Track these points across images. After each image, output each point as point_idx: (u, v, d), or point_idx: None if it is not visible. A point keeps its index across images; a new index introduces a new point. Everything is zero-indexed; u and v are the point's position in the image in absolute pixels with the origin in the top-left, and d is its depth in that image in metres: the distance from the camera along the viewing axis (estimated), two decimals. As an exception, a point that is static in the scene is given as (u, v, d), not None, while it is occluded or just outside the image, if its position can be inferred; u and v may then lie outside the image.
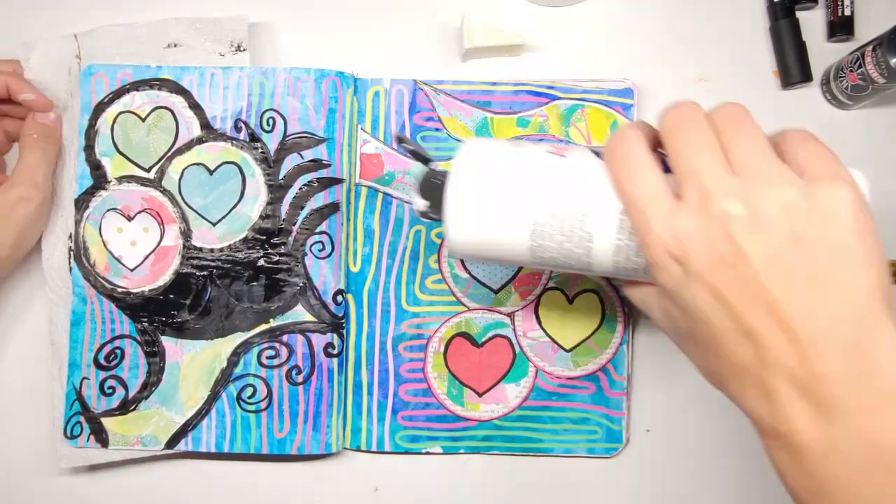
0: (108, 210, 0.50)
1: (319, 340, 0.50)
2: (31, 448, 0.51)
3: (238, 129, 0.50)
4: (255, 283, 0.50)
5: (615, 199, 0.33)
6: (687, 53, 0.52)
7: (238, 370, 0.50)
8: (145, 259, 0.50)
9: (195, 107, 0.50)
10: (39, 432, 0.51)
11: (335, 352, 0.50)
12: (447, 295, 0.51)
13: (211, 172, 0.50)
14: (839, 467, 0.28)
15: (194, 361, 0.50)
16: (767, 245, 0.29)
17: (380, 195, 0.51)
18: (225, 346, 0.50)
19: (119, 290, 0.50)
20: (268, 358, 0.50)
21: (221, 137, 0.50)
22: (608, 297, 0.50)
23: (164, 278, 0.50)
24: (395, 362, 0.51)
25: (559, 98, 0.51)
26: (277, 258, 0.50)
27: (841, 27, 0.51)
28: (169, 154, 0.50)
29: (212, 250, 0.50)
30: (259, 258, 0.50)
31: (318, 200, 0.50)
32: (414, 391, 0.50)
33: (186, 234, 0.50)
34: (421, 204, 0.39)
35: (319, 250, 0.50)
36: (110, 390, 0.50)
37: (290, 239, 0.50)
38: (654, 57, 0.52)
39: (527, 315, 0.51)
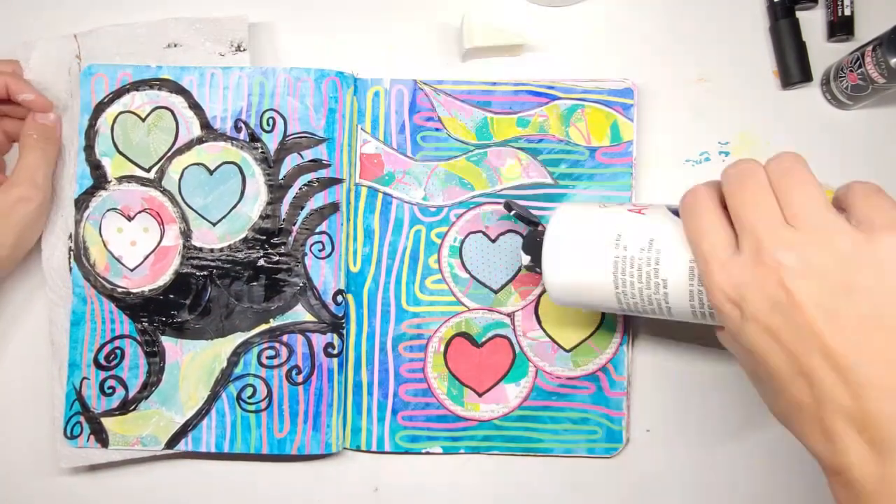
0: (108, 210, 0.50)
1: (319, 340, 0.50)
2: (31, 448, 0.51)
3: (238, 129, 0.50)
4: (255, 283, 0.50)
5: (687, 250, 0.37)
6: (687, 53, 0.52)
7: (238, 370, 0.50)
8: (145, 259, 0.50)
9: (195, 107, 0.50)
10: (39, 432, 0.51)
11: (335, 352, 0.50)
12: (447, 295, 0.51)
13: (211, 172, 0.50)
14: (892, 502, 0.30)
15: (194, 361, 0.50)
16: (818, 292, 0.31)
17: (380, 195, 0.51)
18: (225, 346, 0.50)
19: (119, 290, 0.50)
20: (268, 358, 0.50)
21: (221, 137, 0.50)
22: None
23: (164, 278, 0.50)
24: (395, 362, 0.51)
25: (559, 98, 0.51)
26: (277, 258, 0.50)
27: (841, 27, 0.51)
28: (169, 154, 0.50)
29: (212, 250, 0.50)
30: (259, 258, 0.50)
31: (318, 200, 0.50)
32: (414, 391, 0.50)
33: (186, 234, 0.50)
34: (525, 259, 0.45)
35: (319, 250, 0.50)
36: (110, 390, 0.50)
37: (290, 239, 0.50)
38: (654, 57, 0.52)
39: (527, 315, 0.51)
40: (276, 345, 0.50)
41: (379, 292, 0.51)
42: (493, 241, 0.51)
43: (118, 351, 0.50)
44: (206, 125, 0.50)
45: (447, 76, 0.52)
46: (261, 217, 0.50)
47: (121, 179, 0.50)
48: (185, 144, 0.50)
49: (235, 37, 0.51)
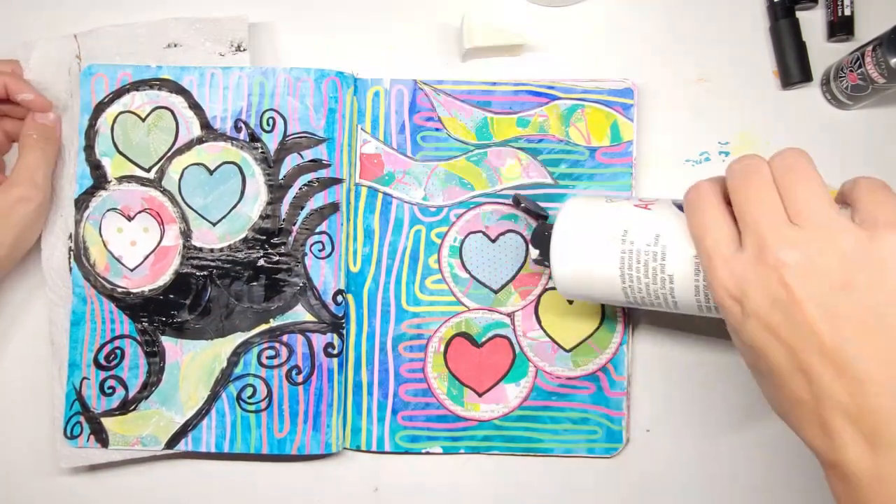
0: (108, 210, 0.50)
1: (319, 340, 0.50)
2: (31, 448, 0.51)
3: (238, 129, 0.50)
4: (255, 283, 0.50)
5: (692, 246, 0.37)
6: (687, 53, 0.52)
7: (238, 370, 0.50)
8: (145, 259, 0.50)
9: (195, 107, 0.50)
10: (39, 432, 0.51)
11: (335, 352, 0.50)
12: (447, 295, 0.51)
13: (211, 172, 0.50)
14: (886, 495, 0.30)
15: (194, 361, 0.50)
16: (819, 290, 0.31)
17: (380, 195, 0.51)
18: (225, 346, 0.50)
19: (119, 290, 0.50)
20: (268, 358, 0.50)
21: (221, 137, 0.50)
22: (608, 297, 0.50)
23: (164, 278, 0.50)
24: (395, 362, 0.51)
25: (559, 98, 0.51)
26: (277, 258, 0.50)
27: (841, 27, 0.51)
28: (169, 154, 0.50)
29: (212, 250, 0.50)
30: (259, 258, 0.50)
31: (318, 200, 0.50)
32: (414, 391, 0.50)
33: (186, 234, 0.50)
34: (534, 253, 0.45)
35: (319, 250, 0.50)
36: (110, 390, 0.50)
37: (290, 239, 0.50)
38: (654, 57, 0.52)
39: (527, 315, 0.51)
40: (276, 345, 0.50)
41: (379, 292, 0.51)
42: (493, 241, 0.51)
43: (118, 351, 0.50)
44: (206, 125, 0.50)
45: (447, 76, 0.52)
46: (261, 217, 0.50)
47: (121, 179, 0.50)
48: (185, 144, 0.50)
49: (235, 37, 0.51)
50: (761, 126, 0.52)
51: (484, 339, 0.51)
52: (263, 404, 0.49)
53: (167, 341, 0.50)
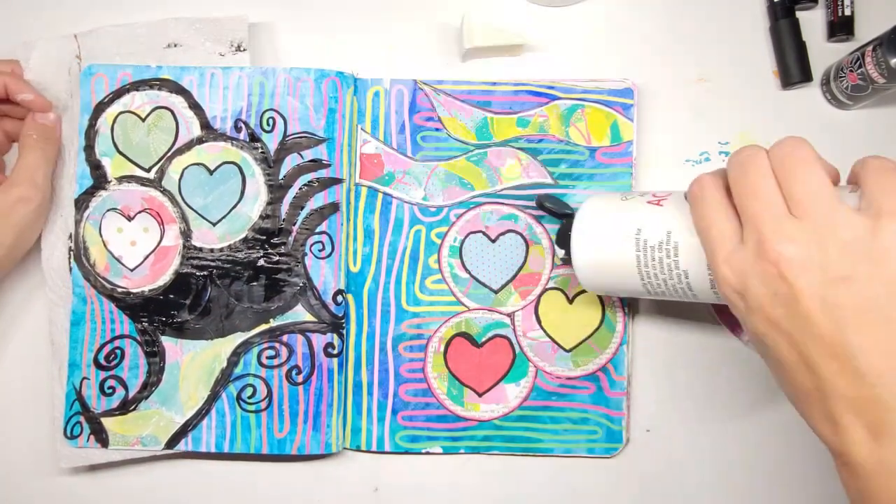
0: (108, 210, 0.50)
1: (319, 340, 0.50)
2: (31, 448, 0.51)
3: (238, 129, 0.50)
4: (255, 283, 0.50)
5: None
6: (687, 53, 0.52)
7: (238, 370, 0.50)
8: (145, 259, 0.50)
9: (195, 107, 0.50)
10: (39, 432, 0.51)
11: (335, 352, 0.50)
12: (447, 295, 0.51)
13: (211, 172, 0.50)
14: (888, 483, 0.30)
15: (194, 361, 0.50)
16: (819, 284, 0.31)
17: (380, 195, 0.51)
18: (225, 346, 0.50)
19: (119, 290, 0.50)
20: (268, 358, 0.50)
21: (221, 137, 0.50)
22: (608, 298, 0.50)
23: (164, 278, 0.50)
24: (395, 362, 0.51)
25: (559, 98, 0.51)
26: (277, 258, 0.50)
27: (841, 27, 0.51)
28: (169, 154, 0.50)
29: (212, 250, 0.50)
30: (259, 258, 0.50)
31: (318, 200, 0.50)
32: (414, 391, 0.50)
33: (186, 234, 0.50)
34: (560, 252, 0.47)
35: (319, 250, 0.50)
36: (110, 390, 0.50)
37: (290, 239, 0.50)
38: (654, 57, 0.52)
39: (527, 315, 0.51)
40: (276, 345, 0.50)
41: (379, 292, 0.51)
42: (493, 241, 0.51)
43: (118, 351, 0.50)
44: (206, 125, 0.50)
45: (447, 76, 0.52)
46: (261, 217, 0.50)
47: (121, 179, 0.50)
48: (185, 144, 0.50)
49: (235, 37, 0.51)
50: (761, 126, 0.52)
51: (484, 339, 0.51)
52: (263, 404, 0.49)
53: (167, 341, 0.50)
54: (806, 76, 0.51)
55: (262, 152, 0.50)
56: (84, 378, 0.50)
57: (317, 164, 0.50)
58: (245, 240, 0.50)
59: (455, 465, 0.51)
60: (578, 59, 0.53)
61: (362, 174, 0.51)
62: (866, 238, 0.30)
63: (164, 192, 0.50)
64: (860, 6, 0.52)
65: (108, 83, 0.50)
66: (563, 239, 0.46)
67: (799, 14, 0.52)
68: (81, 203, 0.50)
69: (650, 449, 0.51)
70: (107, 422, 0.49)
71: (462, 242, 0.51)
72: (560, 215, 0.49)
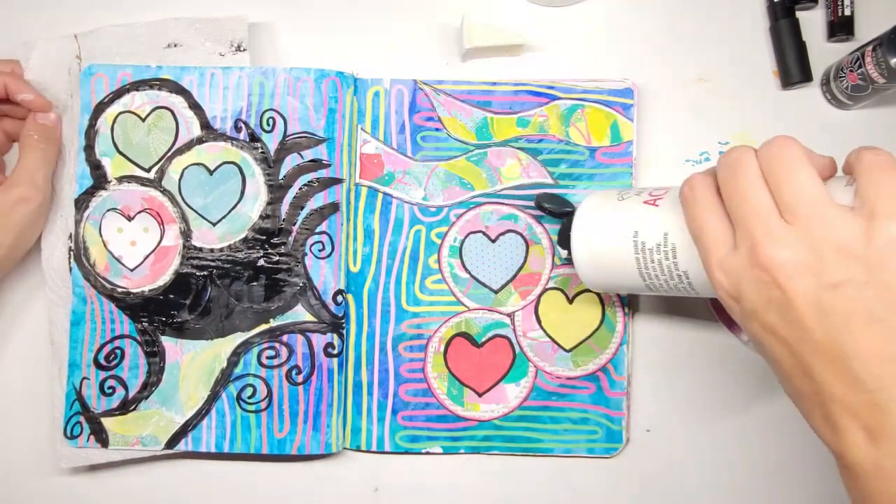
0: (108, 210, 0.50)
1: (319, 340, 0.50)
2: (31, 448, 0.51)
3: (238, 129, 0.50)
4: (255, 283, 0.50)
5: None
6: (687, 53, 0.52)
7: (238, 370, 0.50)
8: (145, 259, 0.50)
9: (195, 107, 0.50)
10: (39, 432, 0.51)
11: (335, 352, 0.50)
12: (447, 295, 0.51)
13: (211, 172, 0.50)
14: (886, 485, 0.30)
15: (194, 361, 0.50)
16: (812, 289, 0.30)
17: (380, 195, 0.51)
18: (225, 346, 0.50)
19: (119, 290, 0.50)
20: (268, 358, 0.50)
21: (221, 137, 0.50)
22: (608, 298, 0.50)
23: (164, 278, 0.50)
24: (395, 362, 0.51)
25: (559, 98, 0.51)
26: (277, 258, 0.50)
27: (841, 27, 0.51)
28: (169, 154, 0.50)
29: (212, 250, 0.50)
30: (259, 258, 0.50)
31: (318, 200, 0.50)
32: (414, 391, 0.50)
33: (186, 234, 0.50)
34: (563, 252, 0.47)
35: (319, 250, 0.50)
36: (110, 390, 0.50)
37: (290, 239, 0.50)
38: (654, 57, 0.52)
39: (527, 315, 0.51)
40: (276, 345, 0.50)
41: (379, 292, 0.51)
42: (493, 241, 0.51)
43: (118, 351, 0.50)
44: (206, 125, 0.50)
45: (447, 76, 0.52)
46: (261, 217, 0.50)
47: (121, 179, 0.50)
48: (185, 144, 0.50)
49: (235, 37, 0.51)
50: (761, 126, 0.52)
51: (484, 339, 0.51)
52: (263, 404, 0.49)
53: (167, 341, 0.50)
54: (806, 76, 0.51)
55: (262, 152, 0.50)
56: (84, 378, 0.50)
57: (317, 164, 0.50)
58: (245, 240, 0.50)
59: (455, 465, 0.51)
60: (578, 59, 0.53)
61: (362, 174, 0.51)
62: (860, 241, 0.30)
63: (164, 192, 0.50)
64: (860, 6, 0.52)
65: (108, 83, 0.50)
66: (565, 238, 0.46)
67: (799, 14, 0.52)
68: (81, 203, 0.50)
69: (650, 449, 0.51)
70: (107, 422, 0.49)
71: (462, 242, 0.51)
72: (560, 214, 0.49)
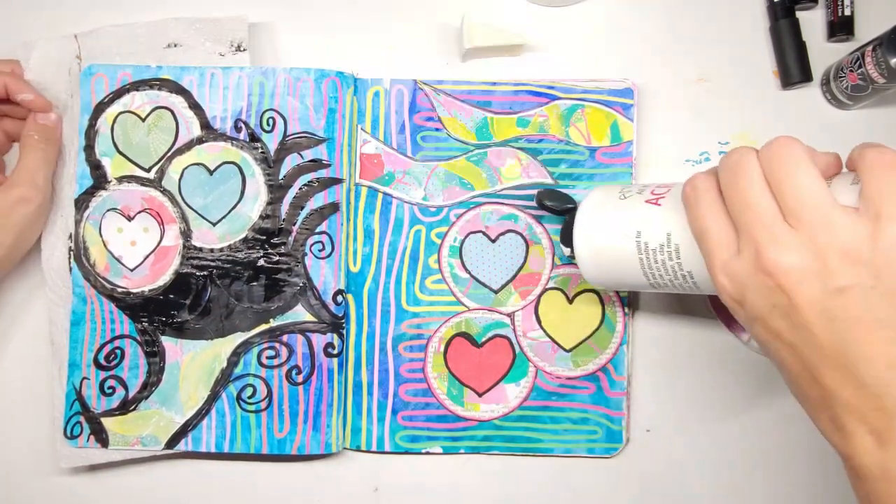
0: (108, 210, 0.50)
1: (319, 340, 0.50)
2: (31, 448, 0.51)
3: (238, 129, 0.50)
4: (255, 283, 0.50)
5: None
6: (687, 53, 0.52)
7: (238, 370, 0.50)
8: (145, 259, 0.50)
9: (195, 107, 0.50)
10: (39, 432, 0.51)
11: (335, 352, 0.50)
12: (447, 295, 0.51)
13: (211, 172, 0.50)
14: (892, 488, 0.30)
15: (194, 361, 0.50)
16: (818, 294, 0.30)
17: (380, 195, 0.51)
18: (225, 346, 0.50)
19: (119, 290, 0.50)
20: (268, 358, 0.50)
21: (221, 137, 0.50)
22: (608, 297, 0.50)
23: (164, 278, 0.50)
24: (395, 362, 0.51)
25: (559, 98, 0.51)
26: (277, 258, 0.50)
27: (841, 27, 0.51)
28: (169, 154, 0.50)
29: (212, 250, 0.50)
30: (259, 258, 0.50)
31: (318, 200, 0.50)
32: (414, 391, 0.50)
33: (186, 234, 0.50)
34: (566, 251, 0.47)
35: (319, 250, 0.50)
36: (110, 390, 0.50)
37: (290, 239, 0.50)
38: (654, 57, 0.52)
39: (527, 315, 0.51)
40: (276, 345, 0.50)
41: (379, 292, 0.51)
42: (493, 241, 0.51)
43: (118, 351, 0.50)
44: (206, 125, 0.50)
45: (447, 76, 0.52)
46: (261, 217, 0.50)
47: (121, 179, 0.50)
48: (185, 144, 0.50)
49: (235, 37, 0.51)
50: (761, 126, 0.52)
51: (484, 339, 0.51)
52: (263, 404, 0.49)
53: (167, 341, 0.50)
54: (806, 76, 0.51)
55: (262, 152, 0.50)
56: (84, 378, 0.50)
57: (317, 164, 0.50)
58: (245, 240, 0.50)
59: (455, 465, 0.51)
60: (578, 59, 0.53)
61: (362, 174, 0.51)
62: (865, 244, 0.29)
63: (164, 192, 0.50)
64: (860, 6, 0.52)
65: (108, 83, 0.50)
66: (567, 236, 0.46)
67: (799, 14, 0.52)
68: (81, 203, 0.50)
69: (650, 449, 0.51)
70: (107, 422, 0.49)
71: (462, 242, 0.51)
72: (561, 212, 0.49)
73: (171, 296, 0.50)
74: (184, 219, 0.50)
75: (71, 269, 0.50)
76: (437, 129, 0.51)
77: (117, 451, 0.50)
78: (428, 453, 0.51)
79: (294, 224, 0.50)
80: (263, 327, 0.50)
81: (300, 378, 0.49)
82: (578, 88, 0.51)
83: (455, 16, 0.52)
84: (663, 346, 0.51)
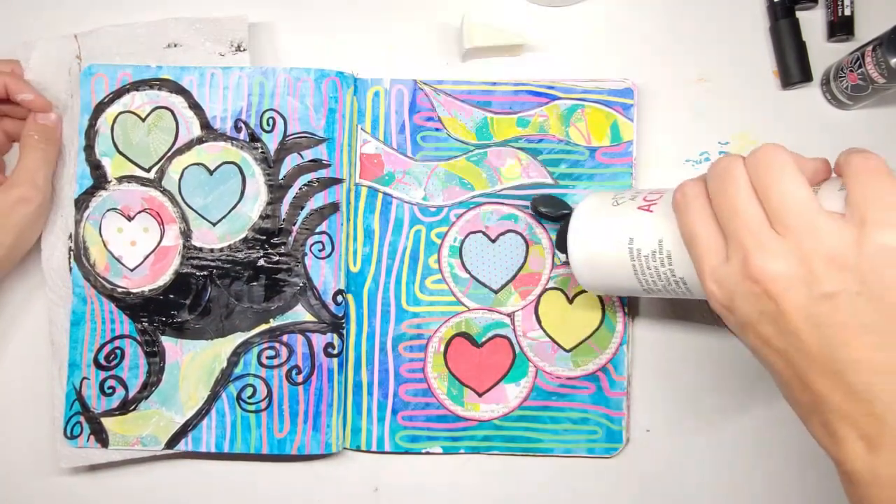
0: (108, 210, 0.50)
1: (319, 340, 0.50)
2: (31, 448, 0.51)
3: (238, 129, 0.50)
4: (255, 283, 0.50)
5: None
6: (687, 53, 0.52)
7: (238, 370, 0.50)
8: (145, 259, 0.50)
9: (195, 107, 0.50)
10: (39, 432, 0.51)
11: (335, 352, 0.50)
12: (447, 295, 0.51)
13: (211, 172, 0.50)
14: (884, 492, 0.30)
15: (194, 361, 0.50)
16: (805, 300, 0.30)
17: (380, 195, 0.51)
18: (225, 346, 0.50)
19: (119, 290, 0.50)
20: (268, 358, 0.50)
21: (221, 137, 0.50)
22: (608, 298, 0.50)
23: (164, 278, 0.50)
24: (395, 362, 0.51)
25: (559, 98, 0.51)
26: (277, 258, 0.50)
27: (841, 27, 0.51)
28: (169, 154, 0.50)
29: (212, 250, 0.50)
30: (259, 258, 0.50)
31: (318, 200, 0.50)
32: (414, 391, 0.50)
33: (186, 234, 0.50)
34: (562, 256, 0.47)
35: (319, 250, 0.50)
36: (110, 390, 0.50)
37: (290, 239, 0.50)
38: (654, 57, 0.52)
39: (527, 315, 0.51)
40: (276, 345, 0.50)
41: (379, 292, 0.51)
42: (493, 241, 0.51)
43: (118, 351, 0.50)
44: (206, 125, 0.50)
45: (447, 76, 0.52)
46: (261, 217, 0.50)
47: (121, 179, 0.50)
48: (185, 144, 0.50)
49: (235, 37, 0.51)
50: (761, 126, 0.52)
51: (484, 339, 0.51)
52: (263, 404, 0.49)
53: (167, 341, 0.50)
54: (806, 76, 0.51)
55: (262, 152, 0.50)
56: (84, 378, 0.50)
57: (317, 164, 0.50)
58: (245, 240, 0.50)
59: (455, 465, 0.51)
60: (578, 59, 0.53)
61: (362, 174, 0.51)
62: (851, 250, 0.29)
63: (164, 192, 0.50)
64: (860, 6, 0.52)
65: (108, 83, 0.50)
66: (562, 242, 0.46)
67: (799, 14, 0.52)
68: (81, 203, 0.50)
69: (650, 449, 0.51)
70: (107, 422, 0.49)
71: (462, 242, 0.51)
72: (556, 218, 0.49)
73: (171, 296, 0.50)
74: (184, 219, 0.50)
75: (71, 269, 0.50)
76: (437, 129, 0.51)
77: (117, 451, 0.50)
78: (428, 453, 0.51)
79: (294, 224, 0.50)
80: (263, 327, 0.50)
81: (300, 378, 0.49)
82: (578, 88, 0.51)
83: (455, 16, 0.52)
84: (663, 346, 0.51)
